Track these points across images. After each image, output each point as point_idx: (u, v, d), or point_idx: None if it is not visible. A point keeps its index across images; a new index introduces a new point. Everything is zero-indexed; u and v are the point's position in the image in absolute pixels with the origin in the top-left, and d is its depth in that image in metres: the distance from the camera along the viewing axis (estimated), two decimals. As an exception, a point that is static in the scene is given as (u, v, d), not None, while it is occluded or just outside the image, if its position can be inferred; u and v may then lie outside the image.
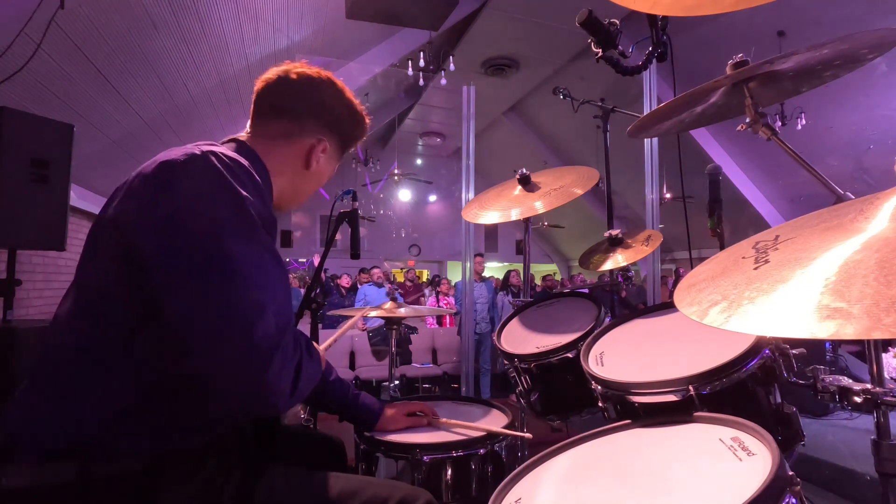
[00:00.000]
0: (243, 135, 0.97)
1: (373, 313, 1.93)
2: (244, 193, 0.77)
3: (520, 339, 1.50)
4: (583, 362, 1.12)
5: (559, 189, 1.71)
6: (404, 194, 12.94)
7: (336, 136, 1.02)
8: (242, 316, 0.70)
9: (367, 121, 1.07)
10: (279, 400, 0.73)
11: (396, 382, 1.86)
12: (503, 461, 1.21)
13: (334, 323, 6.40)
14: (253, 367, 0.69)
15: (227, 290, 0.70)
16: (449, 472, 1.15)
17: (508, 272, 6.61)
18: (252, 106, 0.99)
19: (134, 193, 0.77)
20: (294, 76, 0.96)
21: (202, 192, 0.75)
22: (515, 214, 1.70)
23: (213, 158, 0.78)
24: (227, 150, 0.84)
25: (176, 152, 0.79)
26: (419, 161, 13.14)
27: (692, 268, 0.79)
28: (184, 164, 0.77)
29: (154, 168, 0.77)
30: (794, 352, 0.93)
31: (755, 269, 0.63)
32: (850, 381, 0.80)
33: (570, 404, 1.35)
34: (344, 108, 1.01)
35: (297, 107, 0.97)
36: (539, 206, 1.67)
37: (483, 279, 5.98)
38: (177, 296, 0.71)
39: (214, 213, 0.73)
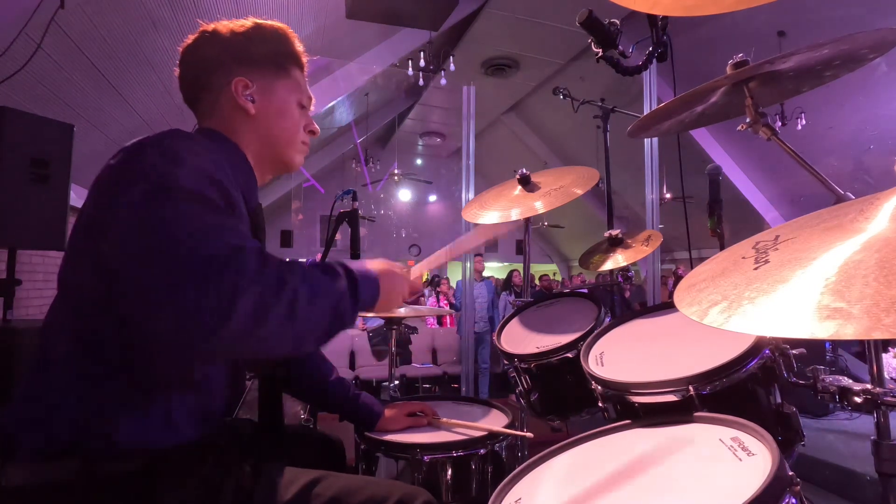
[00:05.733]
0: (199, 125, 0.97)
1: (373, 313, 1.93)
2: (195, 163, 0.74)
3: (520, 339, 1.50)
4: (583, 362, 1.12)
5: (559, 189, 1.71)
6: (404, 194, 12.94)
7: (249, 66, 0.93)
8: (185, 247, 0.66)
9: (269, 26, 0.97)
10: (225, 325, 0.62)
11: (396, 382, 1.86)
12: (503, 461, 1.21)
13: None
14: (196, 284, 0.63)
15: (168, 246, 0.66)
16: (449, 472, 1.15)
17: (511, 272, 6.62)
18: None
19: (96, 181, 0.77)
20: (179, 63, 0.95)
21: (149, 165, 0.73)
22: (515, 214, 1.70)
23: (171, 137, 0.77)
24: (191, 133, 0.84)
25: (140, 138, 0.79)
26: (419, 161, 13.14)
27: (692, 268, 0.79)
28: (138, 145, 0.77)
29: (114, 154, 0.78)
30: (794, 352, 0.93)
31: (755, 269, 0.63)
32: (850, 381, 0.80)
33: (570, 404, 1.35)
34: (231, 38, 0.93)
35: (199, 79, 0.94)
36: (539, 206, 1.67)
37: (483, 278, 5.99)
38: (126, 271, 0.69)
39: (159, 181, 0.71)
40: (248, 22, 0.96)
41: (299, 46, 1.01)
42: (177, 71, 0.95)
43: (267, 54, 0.96)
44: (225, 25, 0.94)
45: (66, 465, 0.71)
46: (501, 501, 0.82)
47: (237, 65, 0.93)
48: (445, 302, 7.27)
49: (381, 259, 0.93)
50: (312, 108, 1.05)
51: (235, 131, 0.93)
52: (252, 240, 0.72)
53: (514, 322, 1.63)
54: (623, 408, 1.00)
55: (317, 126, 1.05)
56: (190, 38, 0.95)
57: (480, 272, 5.96)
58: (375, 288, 0.85)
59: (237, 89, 0.92)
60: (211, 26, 0.95)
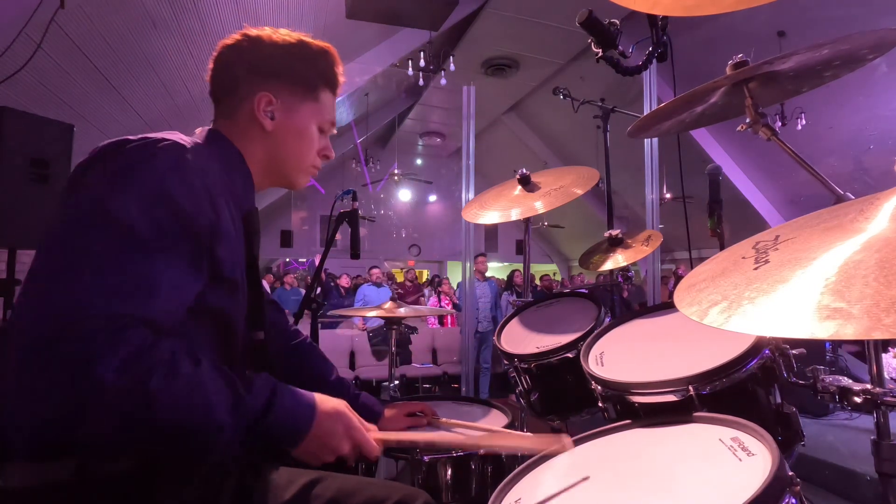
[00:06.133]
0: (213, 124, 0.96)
1: (373, 313, 1.93)
2: (153, 183, 0.72)
3: (520, 339, 1.50)
4: (583, 362, 1.12)
5: (559, 189, 1.71)
6: (404, 194, 12.95)
7: (279, 82, 0.93)
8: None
9: (315, 45, 0.96)
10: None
11: (396, 382, 1.86)
12: (503, 461, 1.21)
13: (334, 323, 6.41)
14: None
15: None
16: (449, 472, 1.15)
17: (513, 272, 6.63)
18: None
19: (68, 179, 0.76)
20: (214, 57, 0.94)
21: (98, 177, 0.71)
22: (515, 214, 1.70)
23: (143, 148, 0.75)
24: (182, 137, 0.82)
25: (112, 140, 0.77)
26: (419, 161, 13.15)
27: (692, 268, 0.79)
28: (100, 152, 0.75)
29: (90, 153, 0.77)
30: (794, 352, 0.93)
31: (755, 269, 0.63)
32: (850, 381, 0.80)
33: (570, 404, 1.35)
34: (270, 50, 0.92)
35: (228, 80, 0.94)
36: (539, 206, 1.67)
37: (486, 279, 6.00)
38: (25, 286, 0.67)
39: (94, 203, 0.69)
40: (294, 38, 0.95)
41: (339, 69, 1.00)
42: (210, 63, 0.95)
43: (301, 74, 0.95)
44: (269, 35, 0.93)
45: (64, 465, 0.71)
46: (501, 501, 0.82)
47: (266, 78, 0.92)
48: (447, 302, 7.27)
49: (344, 403, 0.85)
50: (334, 131, 1.03)
51: (246, 140, 0.93)
52: (151, 309, 0.67)
53: (514, 322, 1.63)
54: (623, 408, 1.00)
55: (332, 152, 1.03)
56: (231, 39, 0.94)
57: (483, 272, 5.96)
58: (301, 424, 0.77)
59: (259, 103, 0.91)
60: (255, 31, 0.93)
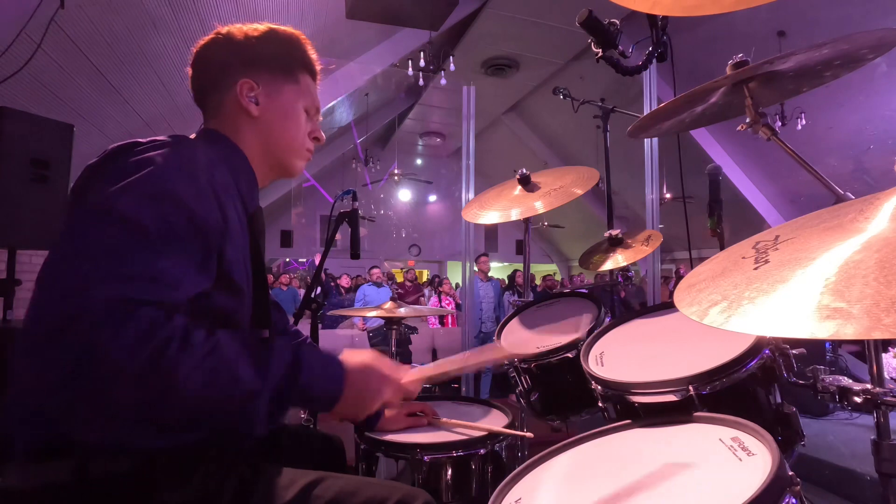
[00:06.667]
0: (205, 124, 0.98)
1: (373, 313, 1.93)
2: (160, 183, 0.73)
3: (520, 339, 1.50)
4: (583, 362, 1.12)
5: (559, 189, 1.71)
6: (404, 194, 12.95)
7: (257, 69, 0.94)
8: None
9: (284, 31, 0.98)
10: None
11: (396, 382, 1.86)
12: (503, 461, 1.21)
13: (334, 323, 6.41)
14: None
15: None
16: (449, 472, 1.15)
17: (514, 272, 6.63)
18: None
19: (76, 183, 0.78)
20: (192, 62, 0.96)
21: (105, 180, 0.73)
22: (515, 214, 1.70)
23: (151, 148, 0.76)
24: (190, 139, 0.84)
25: (121, 143, 0.78)
26: (419, 161, 13.15)
27: (692, 268, 0.79)
28: (112, 154, 0.76)
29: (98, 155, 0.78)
30: (794, 352, 0.93)
31: (755, 269, 0.63)
32: (850, 381, 0.80)
33: (570, 404, 1.35)
34: (243, 40, 0.94)
35: (209, 78, 0.95)
36: (539, 206, 1.67)
37: (489, 279, 6.00)
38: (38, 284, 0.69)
39: (102, 202, 0.70)
40: (263, 26, 0.97)
41: (313, 54, 1.02)
42: (189, 70, 0.96)
43: (277, 58, 0.96)
44: (239, 29, 0.95)
45: (64, 465, 0.71)
46: (501, 501, 0.82)
47: (245, 67, 0.94)
48: (449, 302, 7.26)
49: (372, 353, 0.86)
50: (321, 117, 1.05)
51: (238, 132, 0.94)
52: (169, 294, 0.68)
53: (515, 322, 1.63)
54: (623, 408, 1.00)
55: (322, 134, 1.04)
56: (204, 39, 0.96)
57: (486, 272, 5.97)
58: (334, 384, 0.80)
59: (241, 90, 0.93)
60: (225, 29, 0.96)
